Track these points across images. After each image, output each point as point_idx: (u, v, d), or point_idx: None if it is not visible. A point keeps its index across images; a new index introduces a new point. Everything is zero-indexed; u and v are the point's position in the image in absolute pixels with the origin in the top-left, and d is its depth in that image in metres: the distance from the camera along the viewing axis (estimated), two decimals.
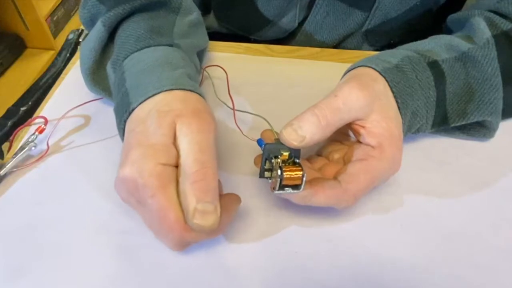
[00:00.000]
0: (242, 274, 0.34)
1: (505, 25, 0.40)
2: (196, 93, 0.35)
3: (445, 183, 0.39)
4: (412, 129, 0.38)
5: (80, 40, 0.56)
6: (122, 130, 0.36)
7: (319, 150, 0.39)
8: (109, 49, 0.44)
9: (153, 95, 0.34)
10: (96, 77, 0.44)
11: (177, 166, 0.31)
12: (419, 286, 0.33)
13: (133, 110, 0.34)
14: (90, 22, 0.45)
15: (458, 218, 0.37)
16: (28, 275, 0.34)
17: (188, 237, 0.30)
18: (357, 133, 0.35)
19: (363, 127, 0.34)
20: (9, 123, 0.48)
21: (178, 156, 0.31)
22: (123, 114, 0.35)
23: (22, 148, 0.41)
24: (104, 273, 0.34)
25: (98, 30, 0.42)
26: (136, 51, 0.39)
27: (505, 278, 0.33)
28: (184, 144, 0.31)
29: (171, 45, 0.40)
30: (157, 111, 0.32)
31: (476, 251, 0.35)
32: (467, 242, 0.35)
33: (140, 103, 0.34)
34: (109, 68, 0.41)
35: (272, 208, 0.38)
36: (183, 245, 0.33)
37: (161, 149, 0.30)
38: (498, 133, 0.41)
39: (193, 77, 0.39)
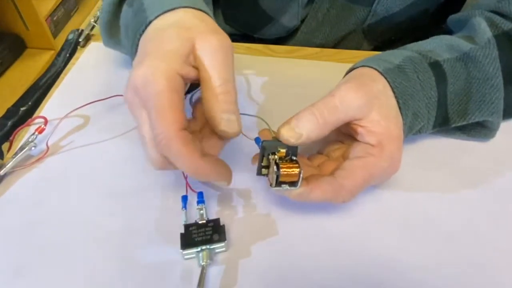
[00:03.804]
0: (242, 274, 0.34)
1: (505, 25, 0.40)
2: (211, 17, 0.36)
3: (445, 183, 0.39)
4: (413, 130, 0.38)
5: (80, 40, 0.56)
6: (136, 46, 0.36)
7: (320, 150, 0.39)
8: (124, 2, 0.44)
9: (172, 9, 0.34)
10: (113, 30, 0.45)
11: (185, 79, 0.32)
12: (419, 286, 0.33)
13: (150, 22, 0.35)
14: None
15: (458, 218, 0.37)
16: (28, 275, 0.34)
17: (175, 149, 0.30)
18: (355, 133, 0.35)
19: (362, 126, 0.34)
20: (9, 123, 0.48)
21: (190, 70, 0.32)
22: (139, 28, 0.36)
23: (22, 148, 0.41)
24: (103, 272, 0.34)
25: None
26: None
27: (505, 278, 0.33)
28: (207, 60, 0.32)
29: None
30: (178, 27, 0.33)
31: (476, 251, 0.35)
32: (467, 242, 0.35)
33: (158, 16, 0.34)
34: (125, 10, 0.41)
35: (272, 208, 0.38)
36: (164, 162, 0.32)
37: (177, 57, 0.31)
38: (498, 133, 0.41)
39: (208, 8, 0.39)
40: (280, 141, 0.32)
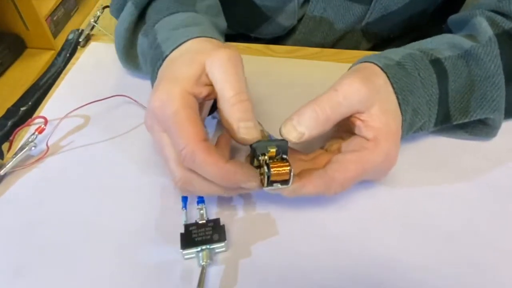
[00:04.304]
0: (242, 274, 0.34)
1: (506, 24, 0.40)
2: (219, 40, 0.38)
3: (445, 182, 0.39)
4: (413, 127, 0.38)
5: (80, 40, 0.56)
6: (155, 78, 0.38)
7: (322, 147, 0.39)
8: (139, 28, 0.46)
9: (183, 42, 0.37)
10: (130, 55, 0.48)
11: (198, 98, 0.34)
12: (419, 286, 0.33)
13: (166, 57, 0.37)
14: (120, 10, 0.47)
15: (458, 218, 0.37)
16: (28, 275, 0.34)
17: (199, 159, 0.31)
18: (353, 125, 0.35)
19: (361, 120, 0.34)
20: (9, 123, 0.48)
21: (202, 89, 0.34)
22: (156, 63, 0.38)
23: (22, 148, 0.41)
24: (103, 272, 0.34)
25: (130, 12, 0.45)
26: (166, 16, 0.42)
27: (505, 278, 0.33)
28: (218, 74, 0.33)
29: (197, 12, 0.44)
30: (189, 53, 0.36)
31: (476, 251, 0.35)
32: (467, 242, 0.35)
33: (172, 50, 0.37)
34: (141, 38, 0.44)
35: (272, 208, 0.38)
36: (189, 180, 0.33)
37: (188, 80, 0.33)
38: (498, 132, 0.41)
39: (218, 34, 0.41)
40: (270, 141, 0.33)
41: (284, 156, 0.33)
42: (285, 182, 0.32)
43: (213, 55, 0.34)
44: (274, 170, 0.31)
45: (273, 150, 0.32)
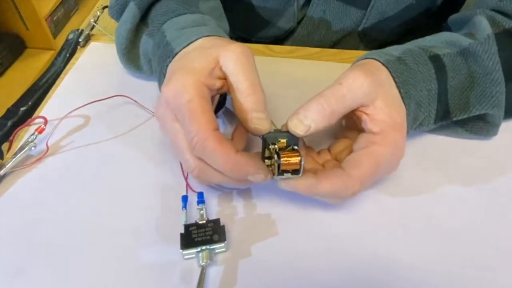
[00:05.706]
0: (242, 274, 0.34)
1: (507, 23, 0.40)
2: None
3: (445, 183, 0.39)
4: (417, 121, 0.38)
5: (80, 40, 0.56)
6: (163, 75, 0.38)
7: (330, 147, 0.39)
8: (141, 30, 0.47)
9: (194, 40, 0.37)
10: (132, 55, 0.48)
11: (211, 90, 0.34)
12: (418, 286, 0.33)
13: (176, 54, 0.37)
14: (121, 12, 0.48)
15: (458, 218, 0.37)
16: (28, 275, 0.34)
17: (210, 147, 0.31)
18: (359, 120, 0.35)
19: (366, 113, 0.34)
20: (9, 123, 0.48)
21: (215, 81, 0.35)
22: (165, 60, 0.38)
23: (22, 148, 0.41)
24: (103, 272, 0.34)
25: (132, 13, 0.45)
26: (174, 17, 0.42)
27: (505, 278, 0.33)
28: (232, 66, 0.34)
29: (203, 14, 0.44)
30: (201, 48, 0.36)
31: (476, 251, 0.35)
32: (467, 242, 0.35)
33: (183, 48, 0.37)
34: (145, 39, 0.44)
35: (272, 208, 0.38)
36: (201, 168, 0.33)
37: (202, 71, 0.34)
38: (499, 132, 0.41)
39: (225, 34, 0.42)
40: (281, 132, 0.33)
41: (295, 147, 0.33)
42: (295, 172, 0.32)
43: (227, 49, 0.34)
44: (284, 160, 0.32)
45: (283, 141, 0.33)
